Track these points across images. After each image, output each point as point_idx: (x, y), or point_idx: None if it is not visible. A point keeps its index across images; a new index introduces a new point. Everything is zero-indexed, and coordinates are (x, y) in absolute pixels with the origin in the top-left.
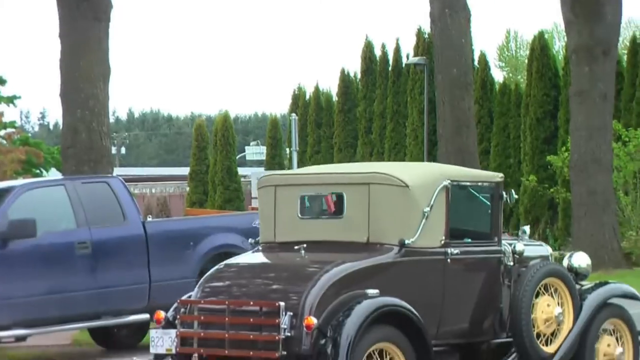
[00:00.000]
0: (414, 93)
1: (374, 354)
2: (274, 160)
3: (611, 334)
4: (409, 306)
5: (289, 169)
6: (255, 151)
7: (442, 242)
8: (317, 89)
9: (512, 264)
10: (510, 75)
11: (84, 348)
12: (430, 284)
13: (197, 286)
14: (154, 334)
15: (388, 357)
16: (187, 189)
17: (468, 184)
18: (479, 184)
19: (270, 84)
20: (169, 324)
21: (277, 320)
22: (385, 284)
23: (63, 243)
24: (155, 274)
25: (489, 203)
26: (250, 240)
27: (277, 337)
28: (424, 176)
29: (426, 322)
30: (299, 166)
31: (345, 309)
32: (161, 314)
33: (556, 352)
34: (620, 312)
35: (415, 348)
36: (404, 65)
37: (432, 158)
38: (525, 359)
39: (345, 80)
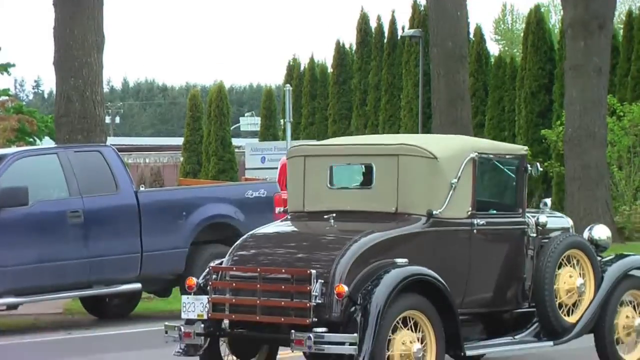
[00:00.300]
0: (409, 65)
1: (402, 321)
2: (268, 132)
3: (631, 305)
4: (436, 275)
5: (283, 140)
6: (250, 122)
7: (469, 213)
8: (312, 60)
9: (535, 235)
10: (506, 48)
11: (76, 317)
12: (457, 254)
13: (228, 254)
14: (185, 299)
15: (416, 325)
16: (181, 159)
17: (494, 156)
18: (505, 156)
19: (266, 55)
20: (200, 290)
21: (308, 288)
22: (413, 253)
23: (55, 212)
24: (147, 244)
25: (513, 175)
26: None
27: (308, 304)
28: (452, 148)
29: (452, 291)
30: (292, 138)
31: (374, 278)
32: (193, 280)
33: (577, 322)
34: None
35: (442, 316)
36: (399, 37)
37: (427, 130)
38: (547, 328)
39: (340, 52)
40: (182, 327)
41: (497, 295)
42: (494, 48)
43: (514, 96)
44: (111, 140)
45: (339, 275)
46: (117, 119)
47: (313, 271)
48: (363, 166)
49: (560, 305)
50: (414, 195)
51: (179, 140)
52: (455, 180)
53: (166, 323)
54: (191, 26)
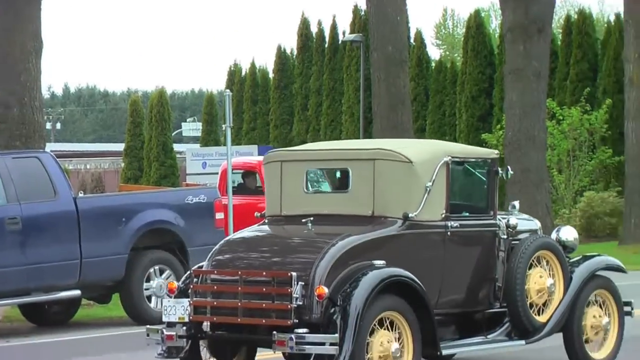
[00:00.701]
0: (350, 70)
1: (380, 321)
2: (210, 137)
3: (598, 304)
4: (413, 277)
5: (224, 145)
6: (192, 127)
7: (443, 215)
8: (253, 65)
9: (505, 237)
10: (447, 53)
11: (15, 324)
12: (432, 256)
13: (208, 258)
14: (166, 303)
15: (394, 325)
16: (122, 164)
17: (466, 160)
18: (476, 160)
19: (207, 61)
20: (181, 294)
21: (289, 290)
22: (390, 255)
23: None
24: (87, 250)
25: (485, 179)
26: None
27: (289, 306)
28: (426, 152)
29: (427, 292)
30: (234, 143)
31: (353, 279)
32: (174, 284)
33: (548, 321)
34: (607, 284)
35: (419, 317)
36: (340, 42)
37: (368, 135)
38: (518, 328)
39: (281, 56)
40: (164, 330)
41: (470, 295)
42: (434, 53)
43: (455, 100)
44: (52, 146)
45: (319, 278)
46: (58, 125)
47: (294, 273)
48: (338, 171)
49: (531, 305)
50: (390, 198)
51: (120, 146)
52: (430, 183)
53: (148, 326)
54: (133, 32)
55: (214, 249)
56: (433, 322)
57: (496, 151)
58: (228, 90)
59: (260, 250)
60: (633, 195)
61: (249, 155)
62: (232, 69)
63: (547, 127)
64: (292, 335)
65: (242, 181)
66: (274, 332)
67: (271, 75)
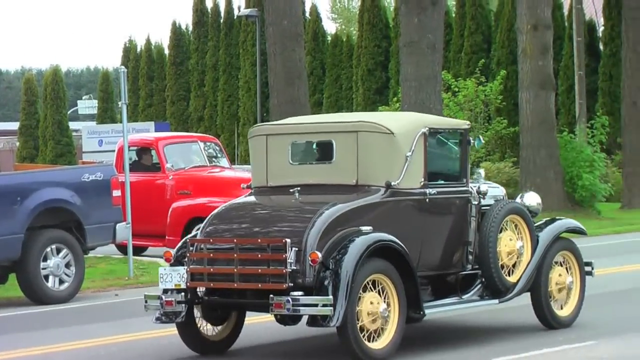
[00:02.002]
0: (246, 45)
1: (369, 284)
2: (106, 114)
3: (561, 265)
4: (398, 241)
5: (120, 122)
6: (88, 105)
7: (422, 183)
8: (148, 41)
9: (477, 202)
10: (342, 27)
11: None
12: (412, 222)
13: (201, 228)
14: (162, 271)
15: (381, 287)
16: (17, 144)
17: (441, 130)
18: (450, 130)
19: (102, 37)
20: (176, 262)
21: (284, 256)
22: (375, 221)
23: None
24: None
25: (457, 148)
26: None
27: (284, 271)
28: (406, 124)
29: (410, 255)
30: (130, 120)
31: (343, 244)
32: (170, 252)
33: (518, 281)
34: (570, 245)
35: (403, 279)
36: (235, 17)
37: (265, 110)
38: (491, 288)
39: (176, 32)
40: (163, 296)
41: (446, 258)
42: (330, 26)
43: (351, 74)
44: None
45: (311, 243)
46: None
47: (288, 240)
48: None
49: (502, 267)
50: (373, 168)
51: (15, 125)
52: (410, 153)
53: (146, 293)
54: (25, 8)
55: (206, 219)
56: (417, 283)
57: (468, 122)
58: (123, 67)
59: (252, 220)
60: (528, 165)
61: (146, 132)
62: (127, 45)
63: (443, 99)
64: (289, 298)
65: (138, 158)
66: (271, 295)
67: (167, 51)
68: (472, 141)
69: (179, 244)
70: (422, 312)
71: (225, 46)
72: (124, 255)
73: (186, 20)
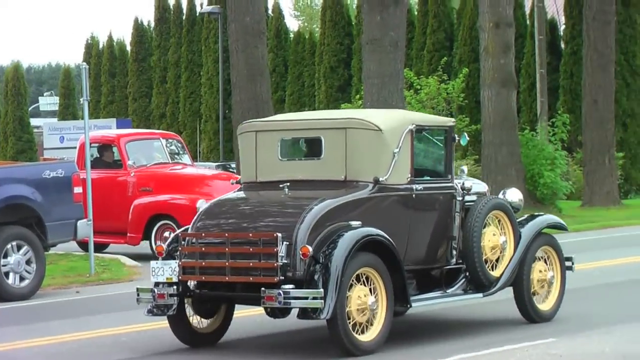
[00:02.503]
0: (208, 42)
1: (358, 278)
2: (68, 111)
3: (543, 260)
4: (387, 236)
5: (82, 119)
6: (49, 102)
7: (408, 179)
8: (110, 38)
9: (461, 198)
10: (305, 24)
11: None
12: (399, 217)
13: (192, 223)
14: (154, 264)
15: (369, 280)
16: None
17: (427, 128)
18: (436, 127)
19: (64, 34)
20: (168, 256)
21: (275, 249)
22: (363, 216)
23: None
24: None
25: (442, 145)
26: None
27: (275, 264)
28: (394, 121)
29: (397, 250)
30: (92, 117)
31: (333, 239)
32: (162, 246)
33: (501, 275)
34: (551, 241)
35: (391, 273)
36: (198, 14)
37: (228, 107)
38: (475, 282)
39: (139, 29)
40: (155, 290)
41: (431, 253)
42: (293, 24)
43: (314, 71)
44: None
45: (302, 238)
46: None
47: (279, 234)
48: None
49: (486, 261)
50: (361, 164)
51: None
52: (397, 149)
53: (138, 286)
54: None
55: (198, 214)
56: (404, 277)
57: (453, 119)
58: (85, 64)
59: (243, 214)
60: (489, 163)
61: (108, 128)
62: (89, 42)
63: (405, 96)
64: (281, 291)
65: (100, 155)
66: (263, 288)
67: (129, 48)
68: (457, 138)
69: (170, 239)
70: (408, 305)
71: (187, 43)
72: (85, 252)
73: (148, 17)
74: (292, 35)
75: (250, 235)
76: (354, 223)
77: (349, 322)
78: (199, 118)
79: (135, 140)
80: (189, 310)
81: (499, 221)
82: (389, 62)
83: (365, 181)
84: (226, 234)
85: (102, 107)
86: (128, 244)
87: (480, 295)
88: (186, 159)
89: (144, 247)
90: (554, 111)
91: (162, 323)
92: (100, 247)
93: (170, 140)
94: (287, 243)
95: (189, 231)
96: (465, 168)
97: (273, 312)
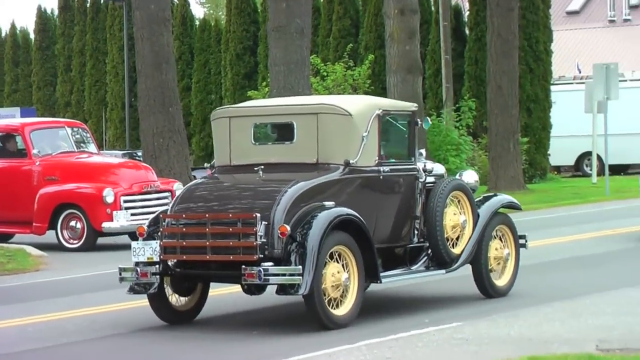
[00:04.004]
0: (113, 30)
1: (332, 255)
2: None
3: (499, 238)
4: (358, 215)
5: None
6: None
7: (376, 161)
8: (13, 26)
9: (423, 180)
10: (211, 11)
11: None
12: (368, 197)
13: (171, 205)
14: (135, 245)
15: (342, 258)
16: None
17: (392, 112)
18: (400, 112)
19: None
20: (149, 237)
21: (254, 229)
22: (336, 197)
23: None
24: None
25: (406, 129)
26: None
27: (254, 243)
28: (362, 106)
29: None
30: None
31: (308, 218)
32: (143, 227)
33: (461, 252)
34: (506, 219)
35: (362, 251)
36: (102, 1)
37: (134, 95)
38: (438, 259)
39: (42, 17)
40: (138, 268)
41: (396, 231)
42: (199, 11)
43: (220, 59)
44: None
45: (279, 218)
46: None
47: (258, 214)
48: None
49: (447, 239)
50: (332, 147)
51: None
52: (366, 133)
53: (120, 265)
54: None
55: (176, 197)
56: (374, 254)
57: (416, 104)
58: None
59: (221, 196)
60: None
61: (11, 117)
62: None
63: (312, 83)
64: (261, 268)
65: (3, 144)
66: (243, 265)
67: (32, 36)
68: (419, 122)
69: (150, 220)
70: (379, 281)
71: (92, 30)
72: None
73: (52, 4)
74: (197, 23)
75: (230, 215)
76: (328, 203)
77: (325, 297)
78: (105, 106)
79: (40, 129)
80: (167, 289)
81: (459, 201)
82: (295, 49)
83: (337, 164)
84: (206, 215)
85: (6, 96)
86: (34, 234)
87: (443, 271)
88: (92, 147)
89: (50, 236)
90: (459, 97)
91: (68, 313)
92: (5, 237)
93: (76, 129)
94: (265, 223)
95: (169, 212)
96: (423, 151)
97: (250, 289)
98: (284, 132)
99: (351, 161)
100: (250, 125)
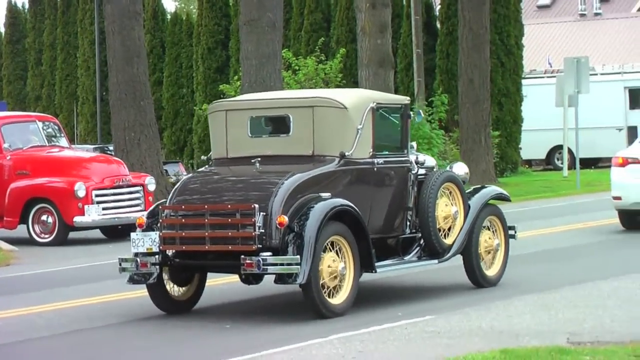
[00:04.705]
0: (84, 23)
1: (328, 245)
2: None
3: (489, 229)
4: (354, 206)
5: None
6: None
7: (370, 153)
8: None
9: (415, 171)
10: (182, 5)
11: None
12: (363, 189)
13: (170, 196)
14: (134, 236)
15: (338, 248)
16: None
17: (385, 105)
18: (393, 105)
19: None
20: (148, 228)
21: (253, 220)
22: (331, 188)
23: None
24: None
25: (399, 122)
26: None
27: (253, 234)
28: (357, 99)
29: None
30: None
31: (305, 209)
32: (143, 219)
33: (453, 243)
34: (496, 211)
35: (357, 241)
36: None
37: (105, 89)
38: (430, 249)
39: (12, 10)
40: (138, 259)
41: (390, 222)
42: (170, 5)
43: (191, 52)
44: None
45: (277, 209)
46: None
47: (256, 205)
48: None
49: (439, 230)
50: (327, 139)
51: None
52: (360, 126)
53: (119, 256)
54: None
55: (174, 189)
56: (369, 244)
57: (408, 98)
58: None
59: (219, 188)
60: None
61: None
62: None
63: (284, 77)
64: (260, 258)
65: None
66: (243, 255)
67: (2, 29)
68: (412, 115)
69: (148, 211)
70: (374, 271)
71: (62, 24)
72: None
73: None
74: (169, 17)
75: (229, 206)
76: (324, 194)
77: (321, 287)
78: (76, 100)
79: (10, 123)
80: (166, 279)
81: (450, 193)
82: (266, 42)
83: (332, 156)
84: (205, 206)
85: None
86: (5, 228)
87: (436, 261)
88: (63, 141)
89: (21, 231)
90: (430, 91)
91: (39, 307)
92: None
93: (47, 123)
94: (264, 214)
95: (167, 204)
96: (414, 144)
97: (248, 279)
98: (280, 125)
99: (346, 153)
100: (247, 118)
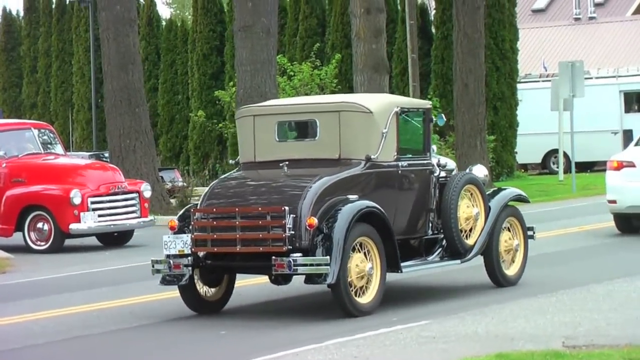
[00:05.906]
0: (79, 31)
1: (356, 246)
2: None
3: (509, 230)
4: (380, 208)
5: None
6: None
7: (395, 157)
8: None
9: (437, 174)
10: (177, 11)
11: None
12: (388, 191)
13: (201, 200)
14: (166, 238)
15: (365, 249)
16: None
17: (408, 110)
18: (416, 109)
19: None
20: (179, 231)
21: (283, 222)
22: (358, 191)
23: None
24: None
25: (421, 125)
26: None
27: (283, 235)
28: (382, 104)
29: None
30: None
31: (334, 211)
32: (175, 221)
33: (475, 243)
34: (516, 212)
35: (384, 242)
36: (68, 2)
37: (100, 96)
38: (452, 250)
39: (7, 18)
40: (171, 261)
41: (413, 223)
42: (165, 11)
43: (187, 59)
44: None
45: (306, 211)
46: None
47: (286, 207)
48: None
49: (461, 231)
50: (354, 143)
51: None
52: (385, 130)
53: (152, 258)
54: None
55: (205, 192)
56: (395, 245)
57: (430, 102)
58: None
59: (249, 191)
60: None
61: None
62: None
63: (279, 83)
64: (291, 259)
65: None
66: (274, 256)
67: None
68: (434, 119)
69: (179, 214)
70: (399, 271)
71: (57, 32)
72: None
73: (17, 5)
74: (164, 23)
75: (260, 209)
76: (351, 197)
77: (349, 286)
78: (71, 107)
79: (6, 130)
80: (197, 280)
81: (472, 194)
82: (261, 48)
83: (358, 159)
84: (236, 209)
85: None
86: (0, 236)
87: (458, 261)
88: (59, 149)
89: (17, 238)
90: (425, 96)
91: (34, 315)
92: None
93: (43, 130)
94: (293, 216)
95: (199, 207)
96: (434, 147)
97: (277, 280)
98: (306, 130)
99: (372, 156)
100: (274, 123)
